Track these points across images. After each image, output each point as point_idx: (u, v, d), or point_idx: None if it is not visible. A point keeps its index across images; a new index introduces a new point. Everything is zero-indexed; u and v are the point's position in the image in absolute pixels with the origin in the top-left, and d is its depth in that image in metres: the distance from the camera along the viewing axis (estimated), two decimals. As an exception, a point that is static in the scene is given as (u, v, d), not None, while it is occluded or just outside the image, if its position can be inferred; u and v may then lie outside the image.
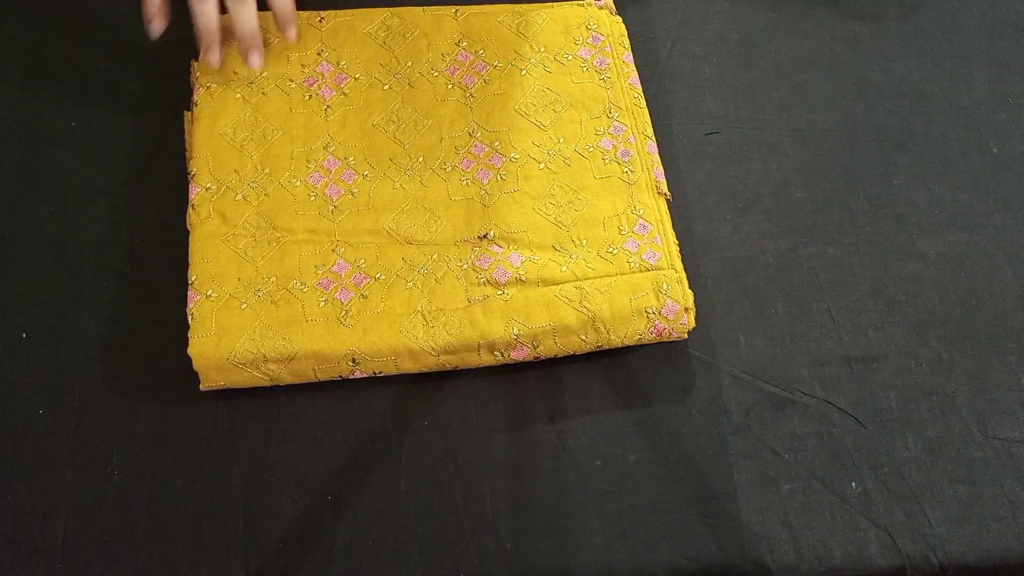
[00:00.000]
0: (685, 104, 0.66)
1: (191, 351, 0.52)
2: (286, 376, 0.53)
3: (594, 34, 0.65)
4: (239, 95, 0.61)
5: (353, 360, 0.53)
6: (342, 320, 0.53)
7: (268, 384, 0.53)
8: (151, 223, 0.59)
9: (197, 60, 0.62)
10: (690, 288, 0.56)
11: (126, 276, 0.58)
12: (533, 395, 0.55)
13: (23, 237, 0.59)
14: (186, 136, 0.62)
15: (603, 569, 0.51)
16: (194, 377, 0.53)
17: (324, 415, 0.54)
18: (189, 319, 0.53)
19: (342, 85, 0.62)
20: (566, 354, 0.55)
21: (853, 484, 0.54)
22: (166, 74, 0.65)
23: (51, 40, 0.66)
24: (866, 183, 0.64)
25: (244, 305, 0.53)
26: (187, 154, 0.61)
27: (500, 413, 0.55)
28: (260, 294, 0.54)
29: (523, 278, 0.55)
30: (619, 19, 0.66)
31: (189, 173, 0.58)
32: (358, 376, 0.54)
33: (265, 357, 0.52)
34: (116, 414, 0.54)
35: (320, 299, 0.54)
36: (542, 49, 0.64)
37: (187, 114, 0.62)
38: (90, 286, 0.57)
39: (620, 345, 0.55)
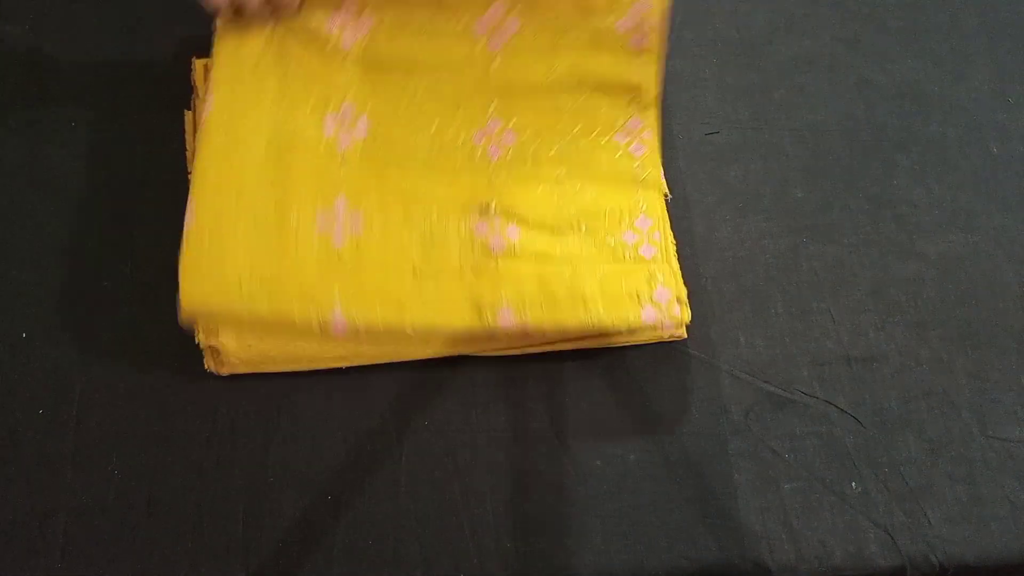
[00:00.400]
0: (685, 104, 0.66)
1: (182, 265, 0.50)
2: (264, 308, 0.50)
3: (639, 3, 0.59)
4: (264, 35, 0.58)
5: (337, 297, 0.51)
6: (333, 257, 0.52)
7: (246, 319, 0.50)
8: (151, 223, 0.59)
9: (197, 57, 0.62)
10: (690, 288, 0.55)
11: (126, 276, 0.58)
12: (533, 395, 0.55)
13: (23, 237, 0.59)
14: (187, 136, 0.62)
15: (603, 569, 0.51)
16: (194, 377, 0.53)
17: (324, 415, 0.54)
18: (184, 231, 0.51)
19: (364, 38, 0.59)
20: (557, 335, 0.54)
21: (853, 484, 0.54)
22: (166, 74, 0.65)
23: (51, 40, 0.66)
24: (866, 183, 0.64)
25: (238, 224, 0.52)
26: (187, 150, 0.61)
27: (500, 413, 0.55)
28: (256, 218, 0.52)
29: (517, 251, 0.55)
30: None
31: (207, 92, 0.56)
32: (338, 323, 0.51)
33: (251, 275, 0.50)
34: (116, 414, 0.54)
35: (315, 235, 0.53)
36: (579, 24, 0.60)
37: (187, 114, 0.62)
38: (90, 286, 0.57)
39: (612, 330, 0.54)
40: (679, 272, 0.56)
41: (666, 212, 0.59)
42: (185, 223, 0.52)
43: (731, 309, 0.59)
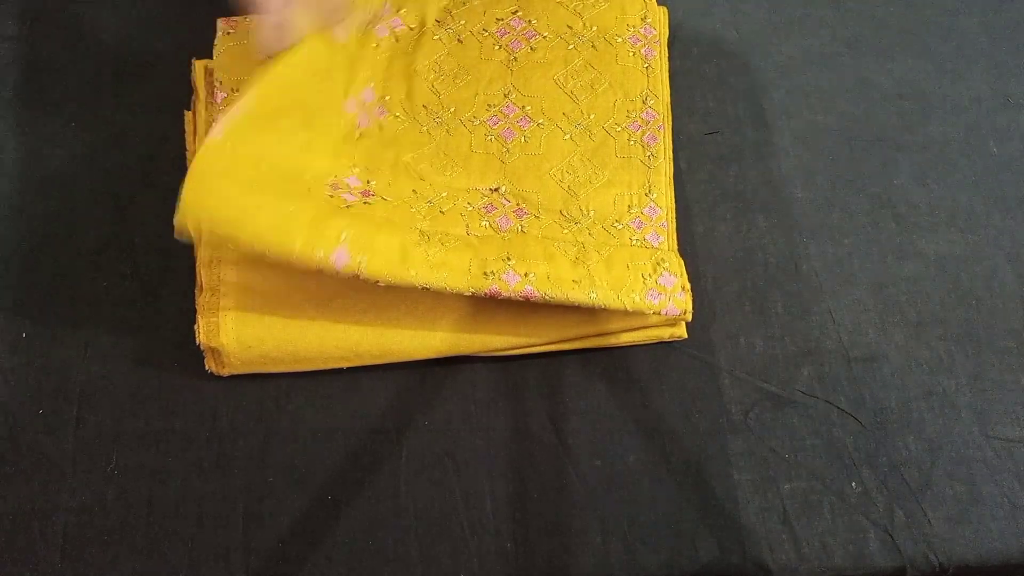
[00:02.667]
0: (685, 104, 0.66)
1: (190, 173, 0.49)
2: (264, 220, 0.49)
3: (648, 26, 0.65)
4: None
5: (343, 236, 0.50)
6: (343, 207, 0.53)
7: (244, 240, 0.48)
8: (151, 223, 0.60)
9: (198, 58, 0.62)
10: (690, 289, 0.55)
11: (126, 276, 0.58)
12: (533, 395, 0.55)
13: (23, 237, 0.59)
14: (187, 136, 0.62)
15: (603, 569, 0.51)
16: (194, 377, 0.53)
17: (324, 415, 0.54)
18: (199, 150, 0.50)
19: (396, 30, 0.64)
20: (560, 303, 0.52)
21: (853, 484, 0.54)
22: (166, 74, 0.65)
23: (51, 40, 0.66)
24: (866, 183, 0.64)
25: (253, 170, 0.51)
26: (187, 150, 0.61)
27: (500, 413, 0.55)
28: (271, 171, 0.53)
29: (524, 230, 0.56)
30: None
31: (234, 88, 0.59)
32: (340, 258, 0.49)
33: (262, 187, 0.49)
34: (116, 414, 0.54)
35: (326, 193, 0.54)
36: (594, 28, 0.65)
37: (187, 114, 0.62)
38: (90, 286, 0.58)
39: (616, 305, 0.52)
40: (683, 264, 0.56)
41: (674, 203, 0.59)
42: (205, 142, 0.51)
43: (731, 309, 0.59)
